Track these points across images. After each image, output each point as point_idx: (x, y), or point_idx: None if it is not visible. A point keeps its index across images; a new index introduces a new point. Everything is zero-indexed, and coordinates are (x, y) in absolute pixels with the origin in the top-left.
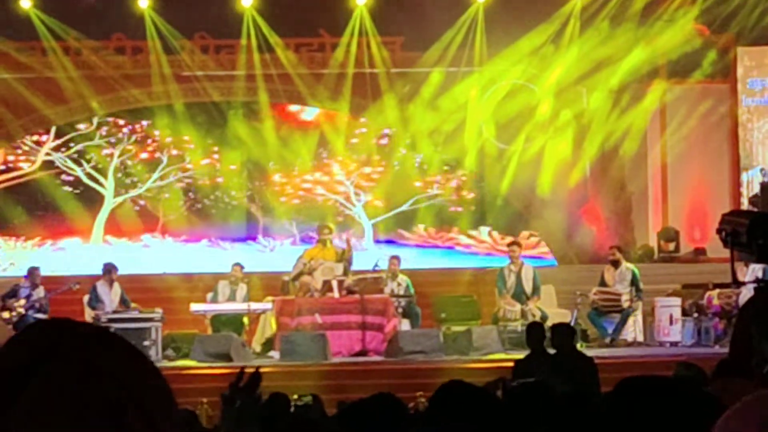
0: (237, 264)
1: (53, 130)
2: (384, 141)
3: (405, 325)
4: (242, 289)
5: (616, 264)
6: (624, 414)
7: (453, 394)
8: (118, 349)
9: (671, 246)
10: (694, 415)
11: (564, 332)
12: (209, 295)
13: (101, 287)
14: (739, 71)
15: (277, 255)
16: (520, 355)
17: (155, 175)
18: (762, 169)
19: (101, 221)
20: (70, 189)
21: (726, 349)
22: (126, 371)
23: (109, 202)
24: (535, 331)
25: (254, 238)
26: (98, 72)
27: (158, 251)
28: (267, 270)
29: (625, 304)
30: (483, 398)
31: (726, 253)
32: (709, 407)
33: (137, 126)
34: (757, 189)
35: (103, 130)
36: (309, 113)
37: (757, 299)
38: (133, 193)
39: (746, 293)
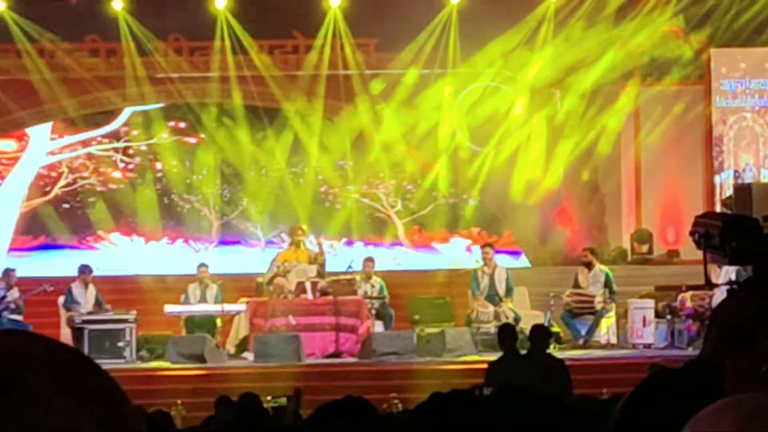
0: (202, 265)
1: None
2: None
3: (378, 326)
4: (212, 290)
5: (589, 266)
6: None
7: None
8: (82, 363)
9: (644, 248)
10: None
11: (541, 334)
12: (182, 297)
13: (76, 289)
14: (713, 73)
15: (250, 257)
16: (494, 356)
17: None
18: (735, 171)
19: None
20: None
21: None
22: (97, 385)
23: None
24: (506, 332)
25: (228, 240)
26: (72, 74)
27: (130, 252)
28: (241, 272)
29: (599, 306)
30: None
31: (699, 254)
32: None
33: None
34: (730, 191)
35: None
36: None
37: (731, 303)
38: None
39: (719, 295)
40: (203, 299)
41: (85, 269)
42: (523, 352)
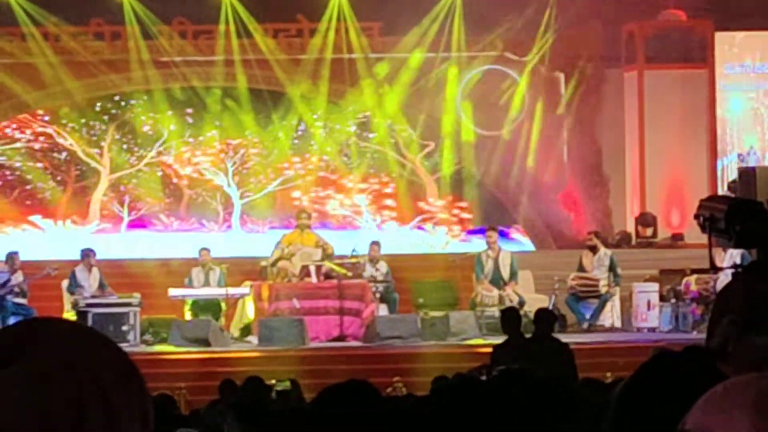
0: (204, 249)
1: None
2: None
3: (383, 310)
4: (215, 274)
5: (594, 249)
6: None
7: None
8: (93, 346)
9: (649, 231)
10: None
11: (546, 318)
12: (185, 281)
13: (80, 272)
14: (717, 56)
15: (255, 240)
16: (498, 340)
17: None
18: (740, 155)
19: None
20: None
21: (704, 335)
22: (97, 369)
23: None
24: (509, 316)
25: (232, 223)
26: (77, 57)
27: (136, 236)
28: (245, 255)
29: (603, 290)
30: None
31: (704, 238)
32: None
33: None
34: (734, 174)
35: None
36: None
37: (736, 287)
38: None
39: (724, 279)
40: (207, 283)
41: (88, 252)
42: (528, 335)
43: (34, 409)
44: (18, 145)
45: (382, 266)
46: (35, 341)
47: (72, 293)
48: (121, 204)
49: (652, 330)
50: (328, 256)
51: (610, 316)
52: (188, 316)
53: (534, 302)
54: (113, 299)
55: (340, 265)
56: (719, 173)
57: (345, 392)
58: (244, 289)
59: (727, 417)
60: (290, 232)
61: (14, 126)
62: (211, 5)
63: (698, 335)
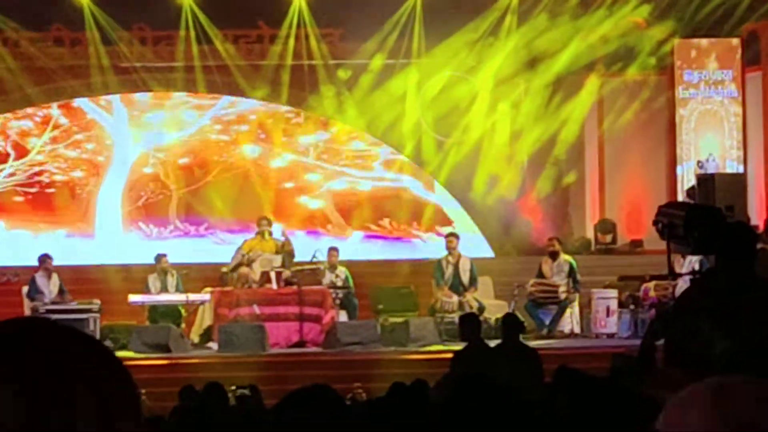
0: (161, 255)
1: None
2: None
3: (343, 316)
4: (172, 279)
5: (553, 255)
6: (561, 407)
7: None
8: (80, 345)
9: (608, 238)
10: (627, 413)
11: (513, 323)
12: (144, 288)
13: (40, 278)
14: (677, 64)
15: (215, 246)
16: (457, 346)
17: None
18: (698, 162)
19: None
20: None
21: (662, 342)
22: (87, 367)
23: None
24: (468, 322)
25: (189, 232)
26: (37, 63)
27: (96, 242)
28: (205, 261)
29: (563, 296)
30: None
31: (663, 244)
32: (641, 406)
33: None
34: (693, 181)
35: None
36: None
37: (701, 292)
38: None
39: (682, 285)
40: (164, 289)
41: (45, 258)
42: (493, 343)
43: (25, 410)
44: None
45: (342, 272)
46: (22, 341)
47: (32, 299)
48: None
49: (611, 336)
50: (286, 252)
51: (569, 322)
52: (148, 322)
53: (493, 308)
54: (73, 305)
55: (301, 271)
56: (679, 180)
57: (308, 397)
58: (205, 295)
59: (688, 415)
60: (251, 238)
61: None
62: (171, 11)
63: (657, 342)
